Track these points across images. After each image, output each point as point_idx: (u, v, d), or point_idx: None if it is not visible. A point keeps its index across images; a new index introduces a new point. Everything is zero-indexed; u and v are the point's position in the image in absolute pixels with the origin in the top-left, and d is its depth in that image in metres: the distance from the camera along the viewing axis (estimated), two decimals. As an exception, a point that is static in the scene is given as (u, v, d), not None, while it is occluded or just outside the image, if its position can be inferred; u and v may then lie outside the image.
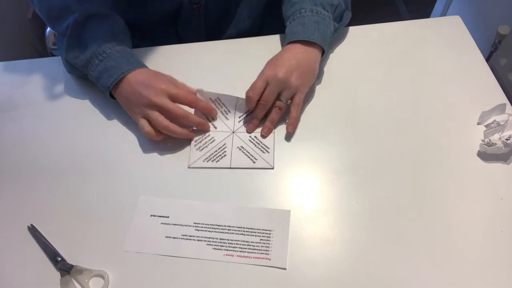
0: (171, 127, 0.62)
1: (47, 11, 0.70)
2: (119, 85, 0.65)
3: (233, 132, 0.66)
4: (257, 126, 0.67)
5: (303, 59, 0.66)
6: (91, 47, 0.66)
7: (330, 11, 0.70)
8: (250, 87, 0.66)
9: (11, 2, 1.26)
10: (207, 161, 0.63)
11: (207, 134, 0.66)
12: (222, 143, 0.65)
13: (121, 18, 0.71)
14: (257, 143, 0.64)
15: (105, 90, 0.66)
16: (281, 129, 0.67)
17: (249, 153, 0.64)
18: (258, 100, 0.65)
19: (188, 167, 0.63)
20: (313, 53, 0.68)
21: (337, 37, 0.78)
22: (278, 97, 0.66)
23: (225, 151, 0.64)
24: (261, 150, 0.64)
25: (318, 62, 0.69)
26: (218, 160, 0.63)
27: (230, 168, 0.63)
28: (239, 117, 0.67)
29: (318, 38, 0.67)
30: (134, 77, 0.64)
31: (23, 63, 0.80)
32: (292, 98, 0.66)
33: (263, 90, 0.65)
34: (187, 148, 0.65)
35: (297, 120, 0.66)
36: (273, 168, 0.62)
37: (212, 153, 0.64)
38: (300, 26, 0.68)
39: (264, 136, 0.66)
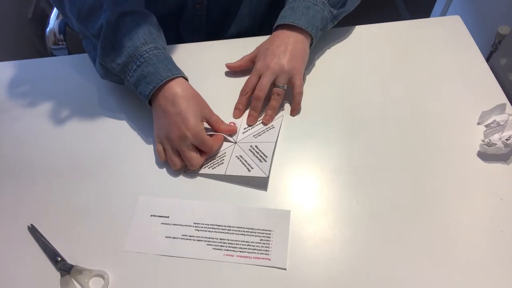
0: (199, 164, 0.62)
1: (78, 9, 0.65)
2: (158, 95, 0.62)
3: (235, 142, 0.66)
4: (257, 118, 0.68)
5: (291, 44, 0.67)
6: (127, 50, 0.62)
7: None
8: (245, 83, 0.68)
9: (11, 2, 1.26)
10: (204, 168, 0.63)
11: None
12: (222, 152, 0.65)
13: (154, 15, 0.67)
14: (256, 152, 0.64)
15: (144, 98, 0.63)
16: (281, 129, 0.67)
17: (246, 161, 0.63)
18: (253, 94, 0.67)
19: (185, 172, 0.63)
20: (300, 37, 0.68)
21: (337, 36, 0.78)
22: (274, 85, 0.67)
23: (223, 160, 0.64)
24: (258, 159, 0.63)
25: (308, 46, 0.69)
26: (215, 167, 0.63)
27: (225, 175, 0.62)
28: (244, 129, 0.67)
29: (304, 23, 0.67)
30: (172, 91, 0.61)
31: (23, 63, 0.80)
32: (290, 83, 0.67)
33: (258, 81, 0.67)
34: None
35: (299, 105, 0.68)
36: (267, 177, 0.61)
37: (211, 161, 0.64)
38: (289, 10, 0.69)
39: (265, 123, 0.67)
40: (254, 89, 0.68)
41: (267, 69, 0.66)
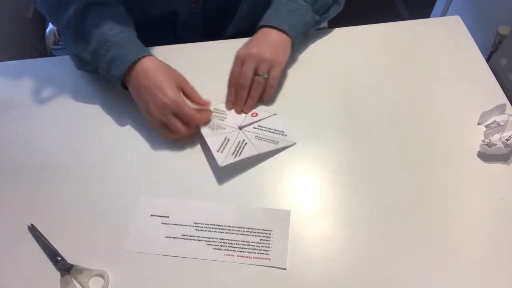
0: (185, 132, 0.63)
1: (47, 5, 0.69)
2: (130, 76, 0.63)
3: (240, 129, 0.66)
4: (242, 104, 0.68)
5: (274, 39, 0.68)
6: (95, 37, 0.64)
7: (309, 2, 0.71)
8: (230, 74, 0.69)
9: (11, 2, 1.26)
10: (235, 156, 0.62)
11: (222, 138, 0.65)
12: (239, 139, 0.65)
13: (121, 6, 0.69)
14: (268, 128, 0.66)
15: (116, 81, 0.64)
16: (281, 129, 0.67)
17: (268, 139, 0.64)
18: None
19: (220, 166, 0.61)
20: (283, 37, 0.69)
21: (337, 37, 0.78)
22: (255, 73, 0.67)
23: (246, 143, 0.64)
24: (275, 133, 0.65)
25: (289, 45, 0.70)
26: (242, 152, 0.63)
27: (259, 155, 0.62)
28: (237, 115, 0.68)
29: (286, 27, 0.68)
30: (143, 67, 0.63)
31: (23, 63, 0.80)
32: (269, 74, 0.67)
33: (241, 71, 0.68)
34: (188, 148, 0.66)
35: (268, 96, 0.69)
36: (295, 143, 0.64)
37: (235, 149, 0.64)
38: (273, 12, 0.70)
39: (245, 112, 0.68)
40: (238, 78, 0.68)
41: (248, 55, 0.67)
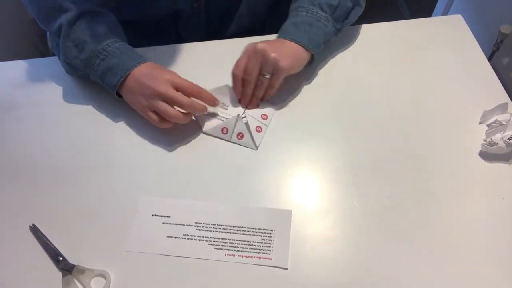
0: (179, 117, 0.62)
1: (37, 10, 0.69)
2: (125, 82, 0.64)
3: (239, 116, 0.67)
4: (247, 101, 0.69)
5: (288, 47, 0.66)
6: (90, 46, 0.65)
7: (329, 12, 0.69)
8: (234, 64, 0.68)
9: (12, 2, 1.26)
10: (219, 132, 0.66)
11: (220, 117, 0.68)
12: (233, 119, 0.66)
13: (113, 14, 0.70)
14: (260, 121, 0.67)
15: (112, 89, 0.65)
16: (283, 129, 0.67)
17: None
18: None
19: (203, 133, 0.65)
20: (299, 50, 0.67)
21: (338, 36, 0.78)
22: (260, 73, 0.67)
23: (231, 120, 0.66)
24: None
25: (305, 57, 0.68)
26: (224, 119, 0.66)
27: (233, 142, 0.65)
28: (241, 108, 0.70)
29: (305, 41, 0.67)
30: (139, 71, 0.64)
31: (24, 63, 0.80)
32: (271, 77, 0.66)
33: (246, 65, 0.67)
34: (189, 148, 0.66)
35: (270, 95, 0.68)
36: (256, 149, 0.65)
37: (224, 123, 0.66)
38: (292, 26, 0.69)
39: (249, 108, 0.69)
40: (243, 71, 0.67)
41: (254, 50, 0.65)
